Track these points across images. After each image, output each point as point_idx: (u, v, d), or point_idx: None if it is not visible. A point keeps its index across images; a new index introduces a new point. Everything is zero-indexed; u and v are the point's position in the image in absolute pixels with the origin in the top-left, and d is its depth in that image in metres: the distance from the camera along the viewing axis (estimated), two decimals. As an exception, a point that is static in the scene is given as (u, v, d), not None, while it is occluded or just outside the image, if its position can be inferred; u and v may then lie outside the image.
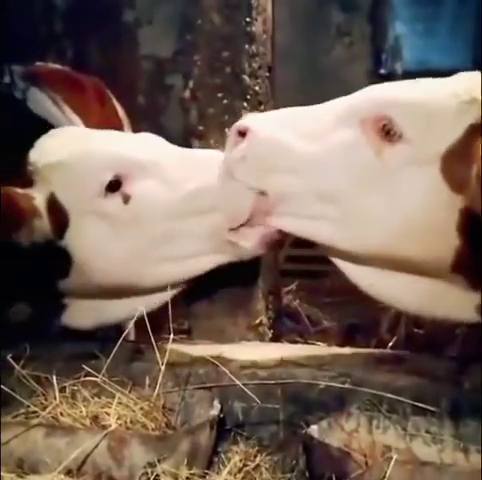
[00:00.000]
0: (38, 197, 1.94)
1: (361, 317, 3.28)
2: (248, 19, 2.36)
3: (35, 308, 2.13)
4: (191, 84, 2.41)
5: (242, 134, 1.78)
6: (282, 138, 1.74)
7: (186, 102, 2.42)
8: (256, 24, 2.38)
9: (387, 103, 1.67)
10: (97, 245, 1.94)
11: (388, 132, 1.63)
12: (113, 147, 1.99)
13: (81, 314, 2.11)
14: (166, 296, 2.01)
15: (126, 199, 1.91)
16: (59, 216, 1.94)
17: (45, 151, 1.99)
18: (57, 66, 2.66)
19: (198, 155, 2.04)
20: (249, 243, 1.89)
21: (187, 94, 2.42)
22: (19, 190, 1.93)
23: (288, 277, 3.61)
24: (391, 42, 6.40)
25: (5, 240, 1.86)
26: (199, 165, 1.96)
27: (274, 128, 1.77)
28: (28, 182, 1.96)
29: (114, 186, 1.91)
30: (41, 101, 2.20)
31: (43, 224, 1.94)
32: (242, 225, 1.87)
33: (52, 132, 2.09)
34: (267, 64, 2.47)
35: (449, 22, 6.95)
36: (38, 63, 2.56)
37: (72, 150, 1.96)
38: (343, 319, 3.47)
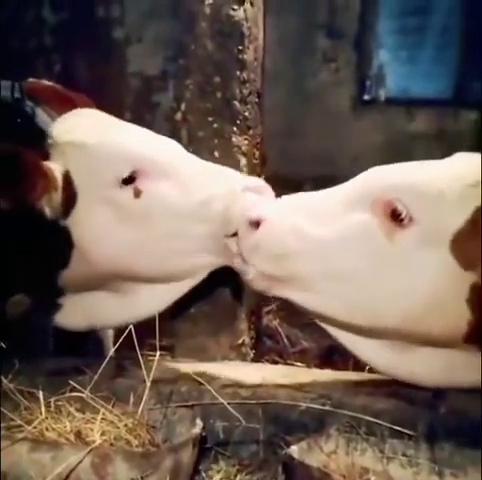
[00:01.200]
0: (56, 170, 1.95)
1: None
2: (240, 47, 2.42)
3: (34, 300, 2.13)
4: (183, 107, 2.46)
5: (255, 224, 1.86)
6: (295, 225, 1.83)
7: (177, 124, 2.46)
8: (248, 52, 2.43)
9: (396, 188, 1.74)
10: (100, 231, 1.96)
11: (398, 215, 1.71)
12: (137, 142, 2.01)
13: (75, 314, 2.12)
14: (165, 303, 2.07)
15: (137, 194, 1.94)
16: (69, 194, 1.95)
17: (68, 128, 2.01)
18: (50, 83, 2.69)
19: (218, 170, 2.06)
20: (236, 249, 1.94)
21: (178, 116, 2.47)
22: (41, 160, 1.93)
23: (268, 297, 3.63)
24: (375, 69, 6.52)
25: (26, 205, 1.88)
26: (215, 177, 2.01)
27: (287, 216, 1.85)
28: (44, 155, 1.97)
29: (129, 180, 1.94)
30: (44, 117, 2.21)
31: (58, 198, 1.95)
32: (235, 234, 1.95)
33: (78, 111, 2.11)
34: (257, 90, 2.53)
35: (432, 51, 7.10)
36: (31, 79, 2.58)
37: (96, 134, 1.98)
38: (322, 340, 3.49)
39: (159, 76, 2.65)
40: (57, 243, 1.98)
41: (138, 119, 2.25)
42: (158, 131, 2.12)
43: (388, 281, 1.74)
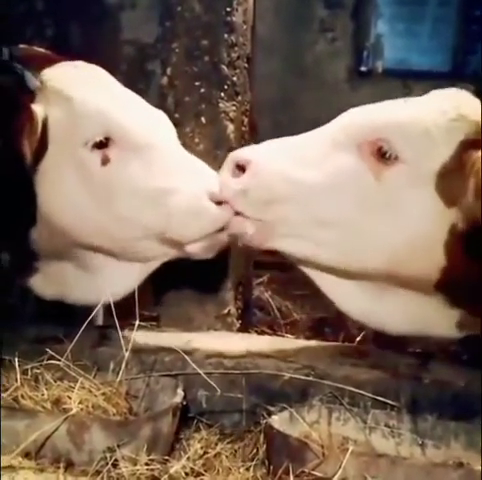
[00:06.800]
0: (38, 114, 1.88)
1: (331, 311, 3.30)
2: (228, 9, 2.35)
3: (12, 260, 2.09)
4: (169, 71, 2.39)
5: (241, 167, 1.79)
6: (282, 169, 1.78)
7: (163, 89, 2.40)
8: (236, 14, 2.36)
9: (381, 128, 1.72)
10: (62, 192, 1.90)
11: (384, 154, 1.70)
12: (120, 108, 1.92)
13: (46, 282, 2.08)
14: (130, 285, 1.98)
15: (104, 161, 1.88)
16: (41, 142, 1.89)
17: (59, 75, 1.95)
18: (41, 49, 2.62)
19: (195, 167, 1.93)
20: (194, 249, 1.89)
21: (165, 81, 2.40)
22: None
23: (261, 269, 3.62)
24: (373, 40, 6.42)
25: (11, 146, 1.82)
26: (188, 172, 1.89)
27: (273, 160, 1.80)
28: (31, 95, 1.91)
29: (100, 144, 1.87)
30: (34, 81, 2.15)
31: (34, 143, 1.88)
32: None
33: (77, 63, 2.03)
34: (246, 55, 2.46)
35: (429, 24, 7.00)
36: (22, 45, 2.51)
37: (84, 90, 1.92)
38: (313, 312, 3.49)
39: (153, 44, 2.58)
40: (24, 197, 1.89)
41: (132, 87, 2.17)
42: (151, 98, 2.07)
43: (375, 223, 1.73)
